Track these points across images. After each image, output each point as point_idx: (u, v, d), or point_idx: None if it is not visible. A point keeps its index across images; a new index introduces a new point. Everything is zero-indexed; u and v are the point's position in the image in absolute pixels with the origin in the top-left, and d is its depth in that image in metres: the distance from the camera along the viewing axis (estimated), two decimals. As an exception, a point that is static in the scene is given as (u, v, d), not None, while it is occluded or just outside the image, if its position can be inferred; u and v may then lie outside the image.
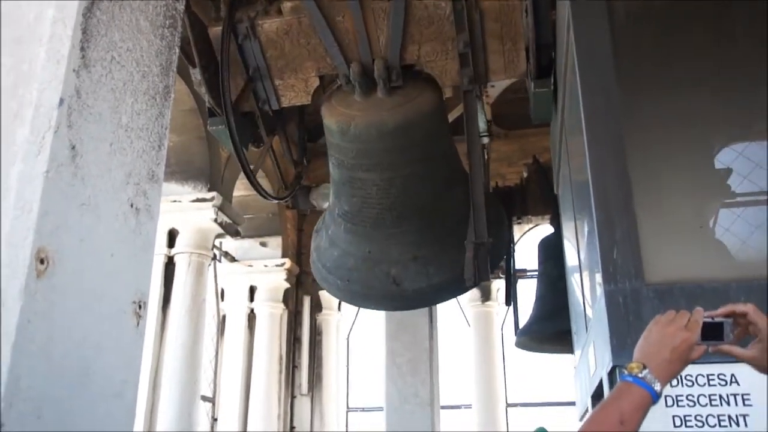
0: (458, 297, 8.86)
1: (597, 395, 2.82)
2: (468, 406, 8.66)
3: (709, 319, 1.36)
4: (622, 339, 2.24)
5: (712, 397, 2.10)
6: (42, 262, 1.25)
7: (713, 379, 2.12)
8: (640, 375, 1.28)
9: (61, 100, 1.32)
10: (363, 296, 4.09)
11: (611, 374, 2.31)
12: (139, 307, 1.52)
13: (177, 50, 1.74)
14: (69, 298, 1.31)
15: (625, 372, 1.31)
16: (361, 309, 9.14)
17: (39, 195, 1.26)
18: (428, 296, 4.05)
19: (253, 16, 3.68)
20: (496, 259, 4.43)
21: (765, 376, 1.36)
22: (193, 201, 6.54)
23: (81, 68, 1.38)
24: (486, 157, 5.75)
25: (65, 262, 1.30)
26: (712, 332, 1.35)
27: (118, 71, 1.49)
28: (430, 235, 3.95)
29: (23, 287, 1.21)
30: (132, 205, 1.51)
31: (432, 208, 3.92)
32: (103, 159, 1.43)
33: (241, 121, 3.93)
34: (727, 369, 2.10)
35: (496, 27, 3.58)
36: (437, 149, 3.92)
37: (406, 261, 3.85)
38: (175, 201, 6.43)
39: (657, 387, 1.27)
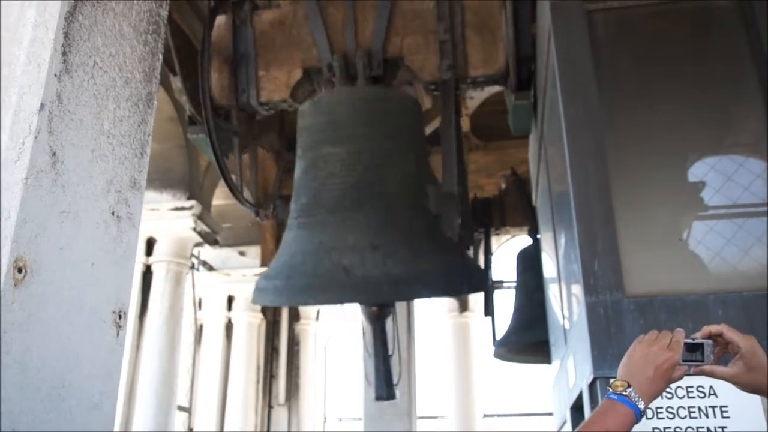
0: (436, 308, 8.89)
1: (576, 407, 2.83)
2: (445, 417, 8.65)
3: (689, 340, 1.38)
4: (603, 351, 2.25)
5: (692, 410, 2.12)
6: (20, 270, 1.22)
7: (692, 392, 2.14)
8: (624, 393, 1.29)
9: (42, 105, 1.29)
10: (303, 288, 3.40)
11: (592, 386, 2.32)
12: (119, 317, 1.49)
13: (160, 57, 1.71)
14: (47, 308, 1.28)
15: (610, 390, 1.32)
16: (339, 319, 9.08)
17: (18, 202, 1.23)
18: (383, 288, 3.34)
19: (253, 5, 3.86)
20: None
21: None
22: (172, 209, 6.48)
23: (63, 73, 1.35)
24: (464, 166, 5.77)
25: (44, 271, 1.27)
26: (692, 353, 1.38)
27: (100, 77, 1.47)
28: (394, 224, 3.43)
29: (0, 297, 1.18)
30: (113, 213, 1.48)
31: (399, 195, 3.51)
32: (85, 166, 1.41)
33: (222, 129, 3.90)
34: (705, 382, 2.12)
35: (475, 20, 3.71)
36: (409, 141, 3.72)
37: (363, 249, 3.30)
38: (153, 209, 6.37)
39: (641, 405, 1.28)
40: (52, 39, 1.33)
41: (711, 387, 2.12)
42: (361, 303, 3.68)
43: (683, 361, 1.36)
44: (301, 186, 3.64)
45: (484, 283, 3.94)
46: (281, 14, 3.88)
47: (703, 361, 1.38)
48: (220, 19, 3.93)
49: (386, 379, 3.48)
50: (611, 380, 1.35)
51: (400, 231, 3.40)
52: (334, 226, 3.41)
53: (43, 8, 1.34)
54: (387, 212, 3.43)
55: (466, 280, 3.68)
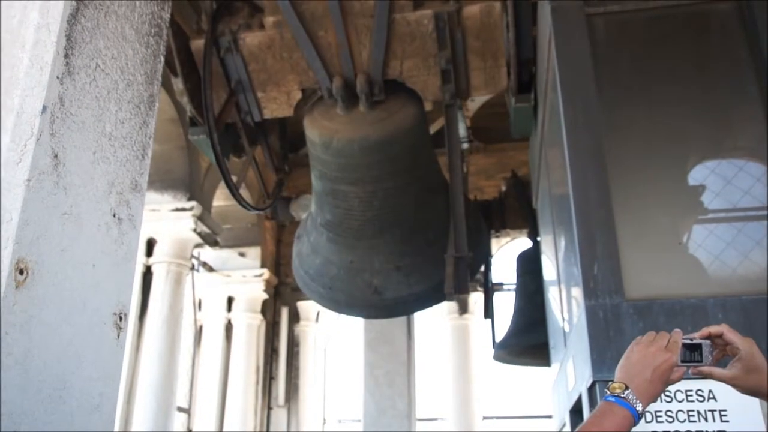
0: (436, 310, 8.89)
1: (576, 410, 2.83)
2: (444, 419, 8.65)
3: (688, 341, 1.37)
4: (602, 354, 2.25)
5: (690, 413, 2.12)
6: (21, 272, 1.22)
7: (691, 395, 2.14)
8: (622, 395, 1.28)
9: (44, 108, 1.30)
10: (345, 304, 4.16)
11: (591, 389, 2.32)
12: (120, 318, 1.49)
13: (162, 59, 1.72)
14: (48, 309, 1.28)
15: (607, 392, 1.31)
16: (340, 320, 9.10)
17: (20, 204, 1.23)
18: (409, 305, 4.15)
19: (235, 29, 3.66)
20: (475, 268, 4.54)
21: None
22: (173, 210, 6.48)
23: (65, 75, 1.35)
24: (465, 169, 5.78)
25: (45, 272, 1.28)
26: (690, 354, 1.36)
27: (102, 79, 1.47)
28: (412, 245, 4.03)
29: (1, 298, 1.18)
30: (114, 215, 1.49)
31: (414, 219, 4.00)
32: (86, 168, 1.41)
33: (223, 131, 3.91)
34: (704, 385, 2.12)
35: (477, 44, 3.61)
36: (418, 161, 3.98)
37: (389, 271, 3.94)
38: (154, 210, 6.37)
39: (639, 407, 1.27)
40: (55, 41, 1.33)
41: (710, 391, 2.12)
42: (389, 317, 4.48)
43: (681, 361, 1.35)
44: (324, 203, 4.04)
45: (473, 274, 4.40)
46: (267, 37, 3.70)
47: (701, 361, 1.36)
48: (198, 44, 3.77)
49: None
50: (609, 382, 1.34)
51: (417, 251, 3.98)
52: (361, 251, 3.98)
53: (45, 11, 1.35)
54: (403, 238, 3.97)
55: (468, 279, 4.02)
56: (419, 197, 4.00)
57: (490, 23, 3.54)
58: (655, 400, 1.33)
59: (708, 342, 1.38)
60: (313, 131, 3.76)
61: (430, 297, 4.09)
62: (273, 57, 3.72)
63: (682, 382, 1.37)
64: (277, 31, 3.65)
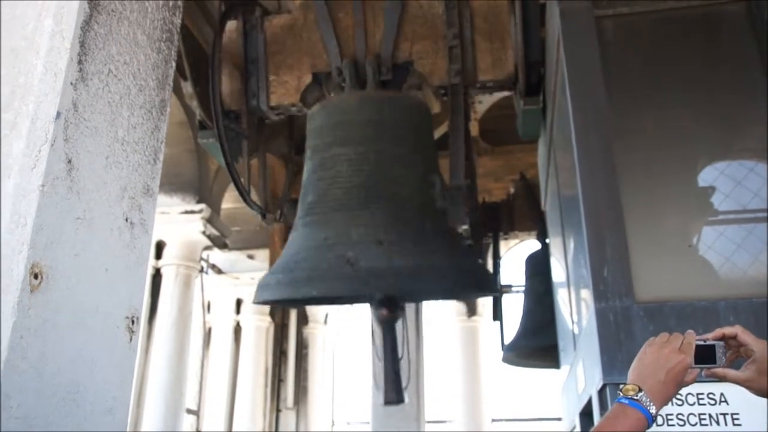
0: (445, 311, 8.88)
1: (586, 413, 2.82)
2: (453, 421, 8.64)
3: (701, 342, 1.36)
4: (613, 357, 2.24)
5: (702, 417, 2.11)
6: (36, 276, 1.23)
7: (703, 399, 2.13)
8: (635, 397, 1.27)
9: (58, 114, 1.31)
10: (306, 280, 3.26)
11: (601, 392, 2.31)
12: (132, 322, 1.50)
13: (173, 64, 1.73)
14: (62, 313, 1.29)
15: (620, 394, 1.30)
16: (349, 322, 9.08)
17: (34, 209, 1.24)
18: (387, 280, 3.25)
19: (264, 11, 3.93)
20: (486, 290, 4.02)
21: (755, 396, 1.37)
22: (182, 213, 6.51)
23: (78, 81, 1.37)
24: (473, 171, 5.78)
25: (59, 277, 1.29)
26: (704, 355, 1.35)
27: (115, 84, 1.49)
28: (400, 223, 3.37)
29: (16, 303, 1.19)
30: (127, 220, 1.50)
31: (406, 196, 3.47)
32: (99, 173, 1.42)
33: (232, 134, 3.92)
34: (716, 388, 2.11)
35: (485, 26, 3.73)
36: (417, 144, 3.70)
37: (368, 244, 3.23)
38: (163, 213, 6.40)
39: (652, 410, 1.26)
40: (69, 48, 1.34)
41: (722, 394, 2.11)
42: (364, 295, 3.55)
43: (695, 363, 1.33)
44: (309, 186, 3.62)
45: (492, 286, 3.86)
46: (291, 19, 3.92)
47: (715, 363, 1.35)
48: (231, 24, 3.97)
49: (395, 383, 3.39)
50: (621, 385, 1.33)
51: (407, 230, 3.35)
52: (339, 222, 3.36)
53: (60, 18, 1.36)
54: (393, 212, 3.38)
55: (473, 280, 3.61)
56: (415, 176, 3.54)
57: (497, 6, 3.75)
58: (668, 403, 1.32)
59: (722, 343, 1.37)
60: (313, 108, 3.75)
61: (414, 278, 3.27)
62: (293, 38, 3.88)
63: (694, 385, 1.37)
64: (302, 12, 3.89)
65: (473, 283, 3.61)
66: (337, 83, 3.76)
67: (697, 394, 2.13)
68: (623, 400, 1.28)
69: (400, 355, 3.47)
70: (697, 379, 1.36)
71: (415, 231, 3.38)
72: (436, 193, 3.40)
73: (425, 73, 3.73)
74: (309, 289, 3.29)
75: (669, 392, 1.30)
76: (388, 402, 3.33)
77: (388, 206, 3.38)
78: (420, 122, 3.76)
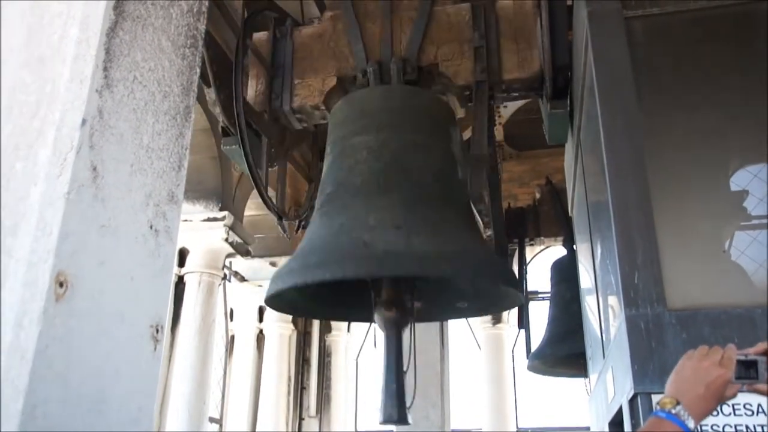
0: (469, 319, 8.81)
1: (616, 422, 2.75)
2: (479, 430, 8.56)
3: (742, 357, 1.33)
4: (644, 366, 2.18)
5: (738, 428, 2.04)
6: (61, 285, 1.22)
7: (739, 409, 2.07)
8: (673, 411, 1.24)
9: (84, 121, 1.30)
10: (318, 265, 3.04)
11: (632, 401, 2.25)
12: (157, 331, 1.49)
13: (198, 70, 1.73)
14: (87, 322, 1.28)
15: (657, 407, 1.27)
16: (372, 329, 9.04)
17: (60, 217, 1.23)
18: (404, 263, 2.98)
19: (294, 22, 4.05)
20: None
21: None
22: (205, 220, 6.54)
23: (104, 88, 1.36)
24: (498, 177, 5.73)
25: (84, 285, 1.28)
26: (745, 370, 1.31)
27: (140, 91, 1.48)
28: (420, 211, 3.16)
29: (42, 311, 1.18)
30: (151, 227, 1.49)
31: (427, 186, 3.28)
32: (124, 180, 1.41)
33: (255, 141, 3.93)
34: (753, 398, 2.05)
35: (510, 29, 3.75)
36: (440, 136, 3.51)
37: (386, 228, 3.01)
38: (186, 220, 6.43)
39: (690, 424, 1.23)
40: (94, 55, 1.34)
41: (759, 405, 2.05)
42: (379, 276, 3.27)
43: (736, 378, 1.30)
44: (327, 176, 3.47)
45: (516, 282, 3.59)
46: (321, 28, 4.01)
47: (756, 378, 1.31)
48: (261, 35, 4.07)
49: (397, 398, 2.96)
50: (655, 397, 1.29)
51: (427, 217, 3.14)
52: (357, 208, 3.16)
53: (85, 26, 1.36)
54: (413, 199, 3.19)
55: (496, 271, 3.34)
56: (437, 167, 3.37)
57: (523, 9, 3.78)
58: (706, 417, 1.28)
59: (764, 359, 1.32)
60: (336, 105, 3.72)
61: (433, 261, 3.01)
62: (320, 46, 3.96)
63: None
64: (331, 22, 3.98)
65: (496, 274, 3.35)
66: (362, 85, 3.74)
67: (734, 404, 2.06)
68: (660, 414, 1.25)
69: (405, 368, 3.16)
70: None
71: (435, 219, 3.18)
72: (458, 165, 3.33)
73: (450, 75, 3.71)
74: (322, 272, 3.03)
75: (708, 407, 1.27)
76: (386, 420, 2.92)
77: (408, 193, 3.21)
78: (443, 117, 3.68)
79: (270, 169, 4.24)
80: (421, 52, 3.75)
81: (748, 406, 2.07)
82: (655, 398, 2.07)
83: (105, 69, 1.37)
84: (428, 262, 3.00)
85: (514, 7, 3.81)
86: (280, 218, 4.31)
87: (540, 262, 7.94)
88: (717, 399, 1.29)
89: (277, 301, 3.31)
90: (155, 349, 1.48)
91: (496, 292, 3.40)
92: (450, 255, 3.02)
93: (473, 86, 3.67)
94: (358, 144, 3.38)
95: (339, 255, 3.04)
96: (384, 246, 2.95)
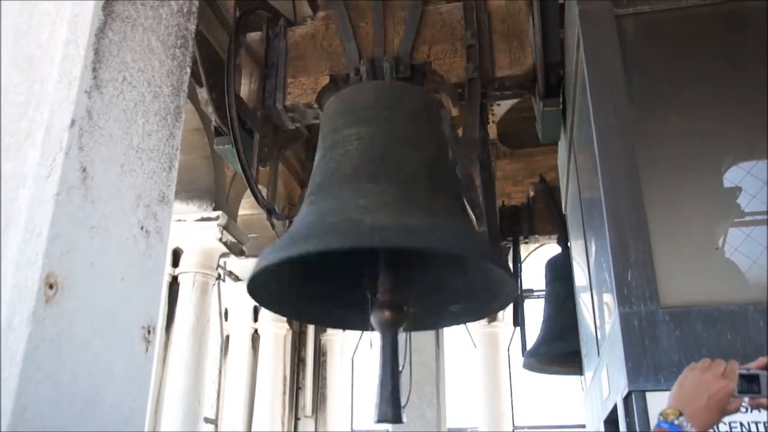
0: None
1: (611, 420, 2.76)
2: (475, 429, 8.56)
3: (744, 371, 1.33)
4: (638, 363, 2.19)
5: (732, 425, 2.04)
6: (51, 287, 1.22)
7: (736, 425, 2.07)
8: (675, 422, 1.24)
9: (73, 122, 1.30)
10: (304, 239, 2.96)
11: (627, 399, 2.26)
12: (148, 332, 1.48)
13: (188, 70, 1.72)
14: (78, 323, 1.27)
15: (661, 418, 1.27)
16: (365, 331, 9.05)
17: (49, 218, 1.23)
18: (392, 235, 2.91)
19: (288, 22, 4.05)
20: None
21: None
22: (198, 220, 6.52)
23: (93, 89, 1.35)
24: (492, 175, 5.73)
25: (75, 286, 1.27)
26: (748, 384, 1.32)
27: (129, 92, 1.47)
28: (410, 199, 3.10)
29: (31, 313, 1.18)
30: (142, 228, 1.48)
31: (417, 176, 3.23)
32: (114, 181, 1.41)
33: (248, 139, 3.92)
34: (761, 417, 2.05)
35: (503, 27, 3.79)
36: (431, 129, 3.49)
37: (377, 208, 2.95)
38: (179, 220, 6.42)
39: None
40: (83, 55, 1.33)
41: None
42: (366, 246, 3.19)
43: (738, 392, 1.31)
44: (318, 168, 3.43)
45: (505, 264, 3.52)
46: (314, 28, 4.03)
47: (759, 393, 1.32)
48: (254, 35, 4.08)
49: (392, 397, 2.95)
50: (650, 395, 1.30)
51: (416, 203, 3.10)
52: (346, 195, 3.11)
53: (74, 25, 1.35)
54: (403, 187, 3.15)
55: (485, 250, 3.25)
56: (427, 158, 3.34)
57: (515, 7, 3.83)
58: (709, 429, 1.28)
59: (765, 373, 1.32)
60: (328, 101, 3.70)
61: (422, 234, 2.93)
62: (313, 46, 3.99)
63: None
64: (324, 23, 4.01)
65: (486, 251, 3.28)
66: (355, 83, 3.74)
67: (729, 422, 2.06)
68: (663, 425, 1.25)
69: (400, 367, 3.16)
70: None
71: (425, 205, 3.14)
72: (448, 158, 3.31)
73: (442, 72, 3.72)
74: (306, 245, 2.93)
75: (711, 418, 1.27)
76: (381, 419, 2.92)
77: (398, 181, 3.18)
78: (434, 111, 3.67)
79: (262, 168, 4.23)
80: (413, 51, 3.77)
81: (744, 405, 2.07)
82: (650, 396, 2.08)
83: (94, 69, 1.36)
84: (416, 235, 2.97)
85: (506, 5, 3.84)
86: (269, 213, 4.28)
87: (534, 260, 7.95)
88: (719, 411, 1.29)
89: (265, 295, 3.28)
90: (147, 350, 1.48)
91: (489, 289, 3.40)
92: (439, 230, 3.00)
93: (466, 84, 3.67)
94: (349, 135, 3.36)
95: (325, 229, 3.00)
96: (372, 221, 2.92)
